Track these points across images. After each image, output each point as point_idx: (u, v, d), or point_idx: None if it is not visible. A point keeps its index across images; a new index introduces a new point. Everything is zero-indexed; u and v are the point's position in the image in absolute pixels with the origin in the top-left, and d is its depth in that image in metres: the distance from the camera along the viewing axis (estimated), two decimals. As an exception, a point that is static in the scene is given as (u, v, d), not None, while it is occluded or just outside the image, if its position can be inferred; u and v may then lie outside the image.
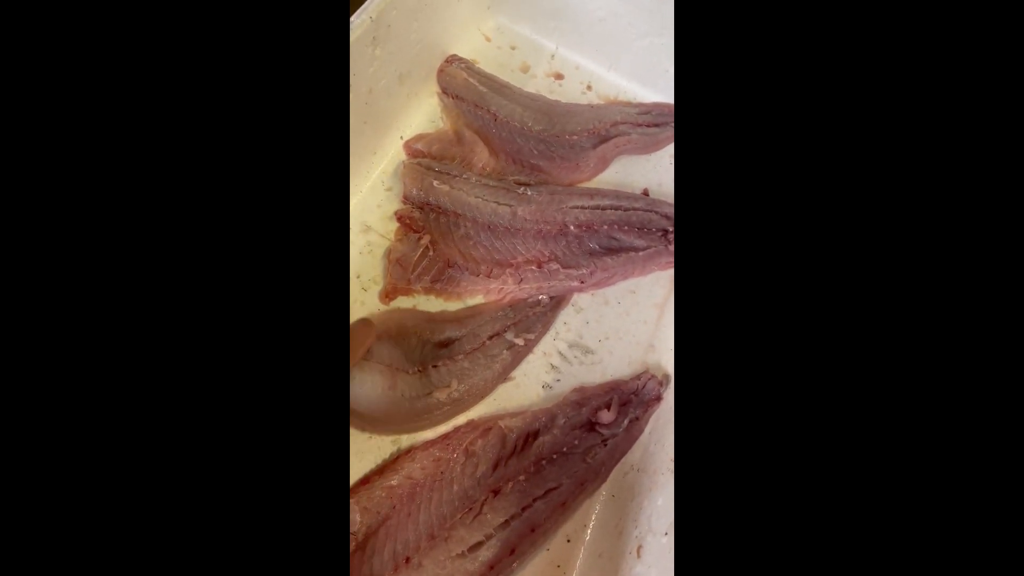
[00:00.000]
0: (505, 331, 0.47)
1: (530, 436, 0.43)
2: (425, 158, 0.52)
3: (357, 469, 0.41)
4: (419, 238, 0.49)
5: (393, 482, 0.40)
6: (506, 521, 0.39)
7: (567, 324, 0.49)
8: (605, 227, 0.51)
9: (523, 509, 0.40)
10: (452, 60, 0.56)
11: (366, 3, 0.41)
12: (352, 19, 0.40)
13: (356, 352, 0.39)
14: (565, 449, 0.43)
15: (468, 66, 0.56)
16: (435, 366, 0.44)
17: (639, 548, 0.37)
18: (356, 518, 0.38)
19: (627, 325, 0.49)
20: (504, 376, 0.46)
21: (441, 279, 0.48)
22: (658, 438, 0.43)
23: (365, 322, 0.41)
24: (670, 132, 0.57)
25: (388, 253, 0.48)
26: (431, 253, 0.48)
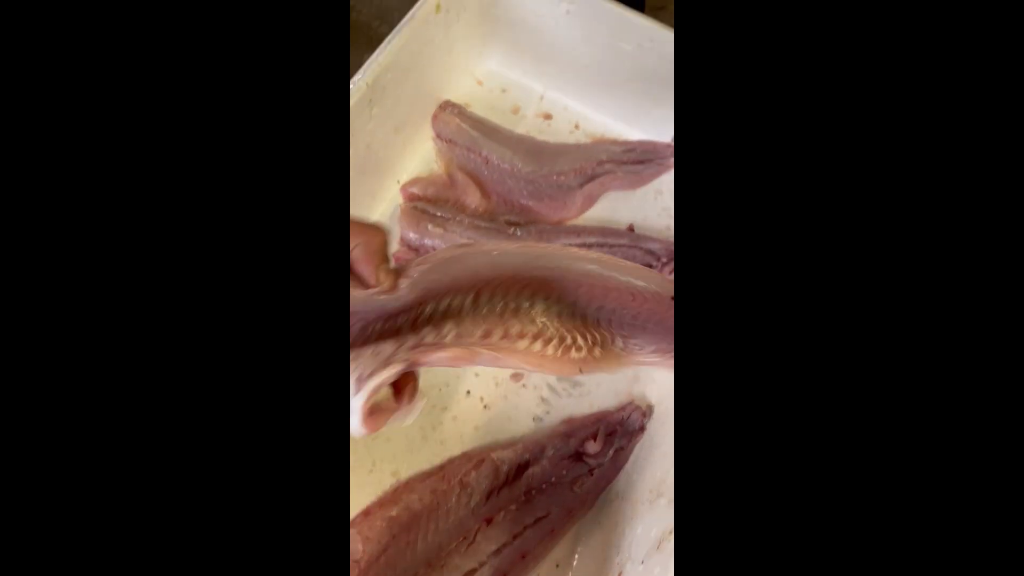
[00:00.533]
0: None
1: (521, 467, 0.46)
2: (421, 201, 0.55)
3: (359, 501, 0.44)
4: (416, 278, 0.52)
5: (393, 513, 0.43)
6: (498, 549, 0.42)
7: (556, 357, 0.52)
8: (591, 264, 0.54)
9: (514, 537, 0.43)
10: (445, 106, 0.59)
11: (362, 69, 0.44)
12: (350, 84, 0.43)
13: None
14: (554, 479, 0.46)
15: (460, 111, 0.59)
16: None
17: (620, 574, 0.39)
18: (358, 547, 0.41)
19: (613, 357, 0.52)
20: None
21: (437, 317, 0.51)
22: (640, 467, 0.46)
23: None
24: (654, 169, 0.60)
25: (387, 293, 0.51)
26: (427, 292, 0.51)
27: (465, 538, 0.42)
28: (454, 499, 0.44)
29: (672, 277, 0.39)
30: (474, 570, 0.41)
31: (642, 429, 0.48)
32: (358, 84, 0.43)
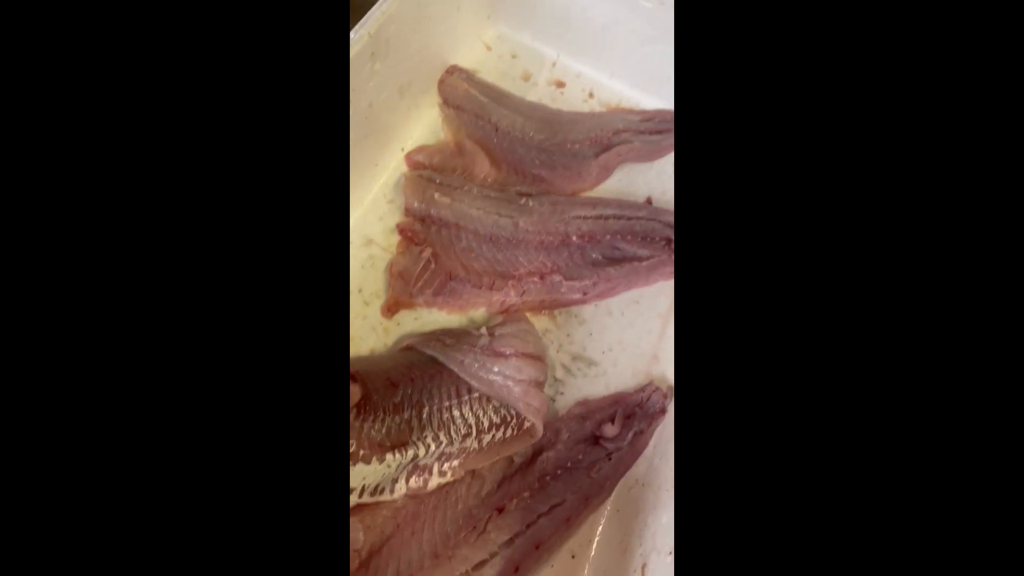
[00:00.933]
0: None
1: (534, 452, 0.43)
2: (427, 170, 0.51)
3: (361, 486, 0.40)
4: (421, 251, 0.48)
5: (398, 502, 0.39)
6: (510, 539, 0.39)
7: (570, 336, 0.49)
8: (608, 237, 0.51)
9: (527, 526, 0.40)
10: (453, 71, 0.56)
11: (364, 18, 0.41)
12: (350, 35, 0.40)
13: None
14: (569, 464, 0.43)
15: (469, 76, 0.56)
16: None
17: (644, 567, 0.36)
18: (359, 536, 0.38)
19: (630, 336, 0.49)
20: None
21: (443, 292, 0.48)
22: (662, 452, 0.43)
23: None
24: (672, 139, 0.57)
25: (390, 266, 0.48)
26: (433, 266, 0.48)
27: (475, 528, 0.39)
28: (464, 487, 0.41)
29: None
30: (484, 561, 0.38)
31: (663, 411, 0.45)
32: (360, 34, 0.40)
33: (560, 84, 0.59)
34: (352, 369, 0.43)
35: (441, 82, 0.55)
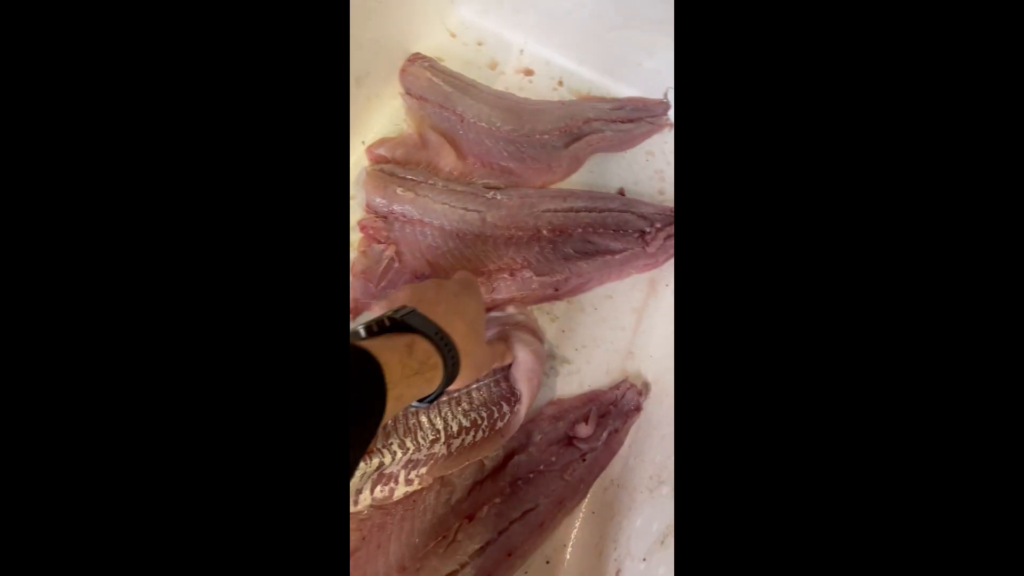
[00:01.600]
0: None
1: (506, 455, 0.41)
2: (389, 164, 0.49)
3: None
4: (384, 249, 0.46)
5: (363, 513, 0.38)
6: (481, 547, 0.38)
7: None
8: (580, 230, 0.49)
9: (499, 533, 0.38)
10: (415, 59, 0.53)
11: None
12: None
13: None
14: (542, 467, 0.41)
15: (432, 65, 0.53)
16: None
17: (618, 572, 0.35)
18: (323, 552, 0.36)
19: (604, 332, 0.48)
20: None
21: (409, 291, 0.46)
22: (638, 451, 0.42)
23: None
24: (645, 128, 0.55)
25: (352, 266, 0.46)
26: (397, 264, 0.46)
27: (444, 537, 0.38)
28: (432, 495, 0.39)
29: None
30: (455, 572, 0.37)
31: (638, 409, 0.44)
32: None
33: (528, 72, 0.57)
34: None
35: (403, 71, 0.53)
